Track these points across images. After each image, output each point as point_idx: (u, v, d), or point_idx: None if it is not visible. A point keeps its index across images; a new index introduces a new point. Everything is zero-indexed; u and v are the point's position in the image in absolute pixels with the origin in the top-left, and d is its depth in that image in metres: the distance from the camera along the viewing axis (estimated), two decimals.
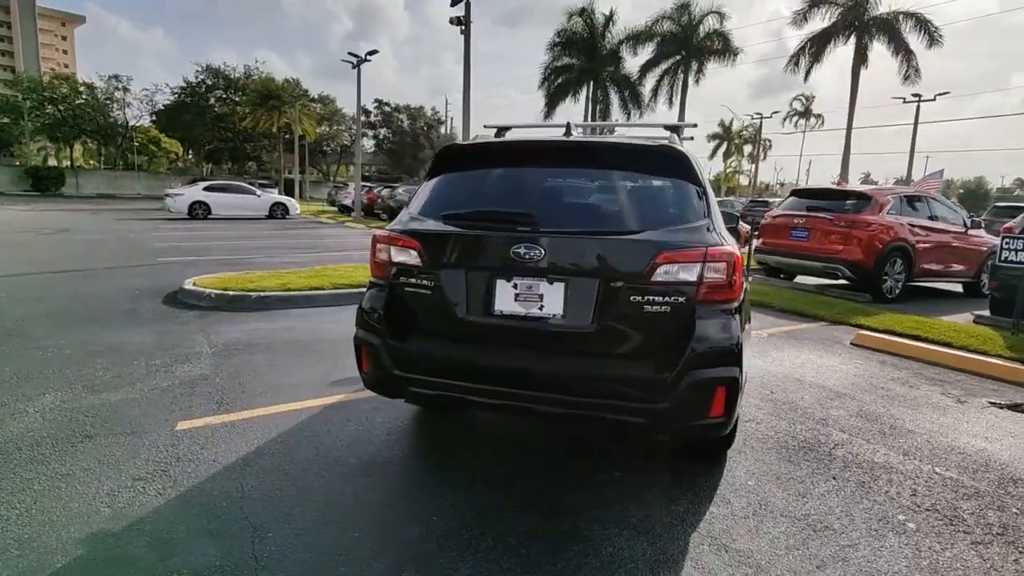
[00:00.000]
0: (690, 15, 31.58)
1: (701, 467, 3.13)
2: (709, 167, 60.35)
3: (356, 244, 14.80)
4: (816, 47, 29.71)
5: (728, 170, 61.93)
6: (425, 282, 2.83)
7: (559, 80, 33.86)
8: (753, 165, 59.31)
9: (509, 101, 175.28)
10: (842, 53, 29.66)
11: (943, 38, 26.99)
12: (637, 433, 3.36)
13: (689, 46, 31.70)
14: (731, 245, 2.58)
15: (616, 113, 33.65)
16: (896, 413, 4.05)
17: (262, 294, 6.58)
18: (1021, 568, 2.37)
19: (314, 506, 2.61)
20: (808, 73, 30.71)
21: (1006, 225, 7.41)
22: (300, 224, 21.80)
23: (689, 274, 2.47)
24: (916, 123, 33.50)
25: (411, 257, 2.87)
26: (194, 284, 6.94)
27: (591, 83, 33.74)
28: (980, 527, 2.66)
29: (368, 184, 30.39)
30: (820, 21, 29.20)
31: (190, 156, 59.14)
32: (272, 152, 52.48)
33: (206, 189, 22.21)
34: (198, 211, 21.42)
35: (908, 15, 27.58)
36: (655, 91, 33.43)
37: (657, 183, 2.80)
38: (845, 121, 30.19)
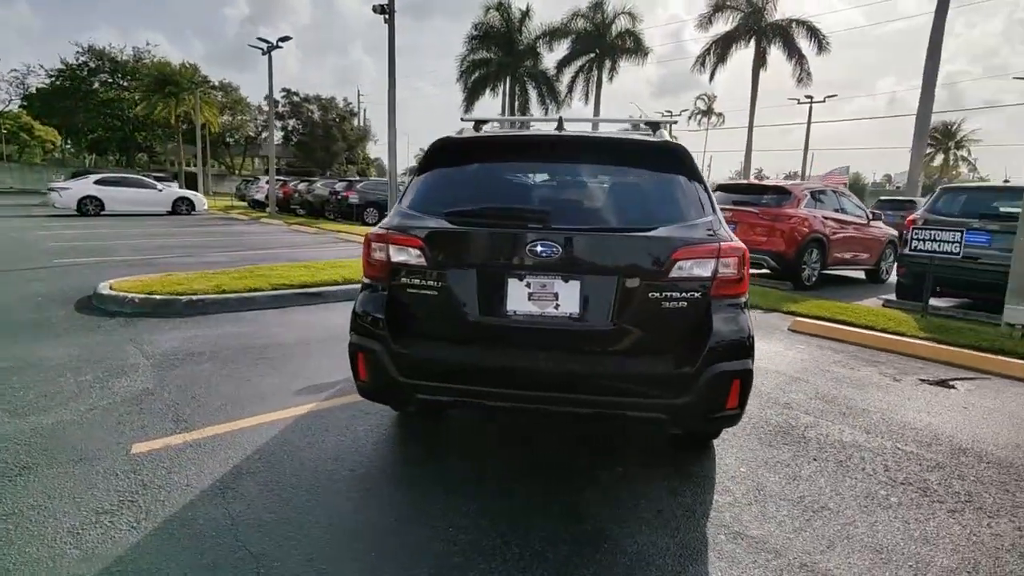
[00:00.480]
0: (603, 14, 32.43)
1: (692, 456, 3.20)
2: None
3: (281, 241, 14.03)
4: (720, 49, 31.45)
5: None
6: (431, 283, 2.69)
7: (477, 74, 33.79)
8: None
9: (421, 94, 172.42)
10: (744, 56, 31.45)
11: (830, 45, 29.42)
12: (656, 428, 3.38)
13: (603, 44, 32.57)
14: (738, 240, 2.63)
15: (535, 108, 34.15)
16: (847, 394, 4.35)
17: (194, 297, 6.06)
18: (995, 532, 2.60)
19: (317, 527, 2.42)
20: (713, 73, 32.50)
21: (909, 218, 8.16)
22: (210, 221, 20.38)
23: (704, 270, 2.50)
24: (809, 122, 36.42)
25: (413, 257, 2.70)
26: (112, 288, 6.27)
27: (509, 78, 33.92)
28: (950, 496, 2.90)
29: (282, 178, 28.88)
30: (723, 24, 30.96)
31: (69, 146, 53.61)
32: (167, 143, 48.67)
33: (98, 183, 20.25)
34: (89, 207, 19.52)
35: (800, 23, 29.78)
36: (571, 87, 34.26)
37: (662, 179, 2.81)
38: (744, 119, 32.17)
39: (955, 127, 48.79)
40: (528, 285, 2.62)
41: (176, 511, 2.50)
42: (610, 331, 2.58)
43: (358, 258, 10.87)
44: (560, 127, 3.08)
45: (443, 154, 3.04)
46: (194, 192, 24.56)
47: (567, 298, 2.58)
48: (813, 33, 29.26)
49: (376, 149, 64.23)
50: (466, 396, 2.66)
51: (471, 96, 34.09)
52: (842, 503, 2.78)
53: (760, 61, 31.05)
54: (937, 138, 49.58)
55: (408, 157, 70.29)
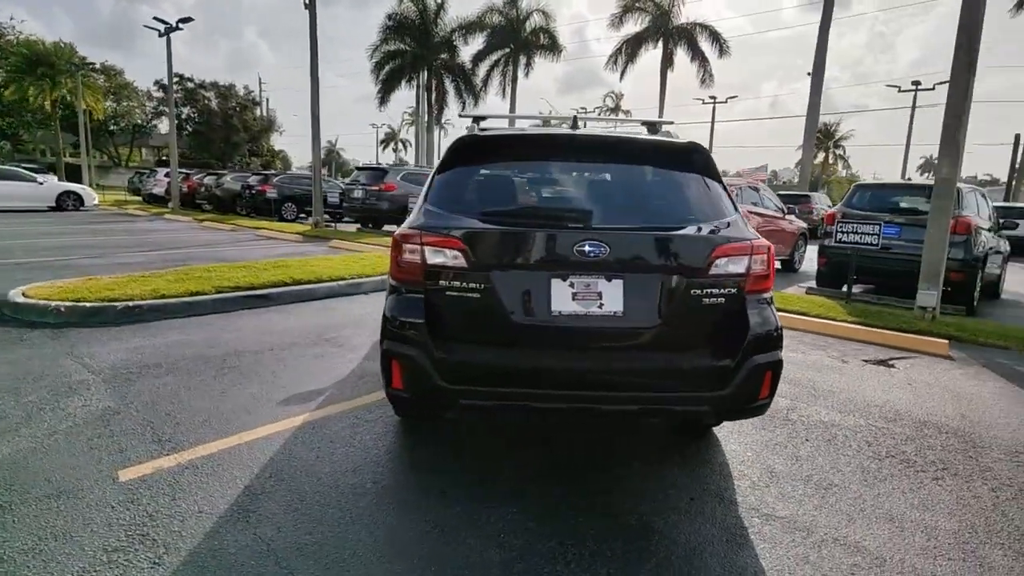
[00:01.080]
0: (518, 10, 32.67)
1: (698, 445, 3.34)
2: None
3: (196, 240, 13.02)
4: (631, 49, 32.66)
5: None
6: (472, 285, 2.59)
7: (391, 65, 32.96)
8: None
9: (328, 83, 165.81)
10: (652, 56, 32.85)
11: (731, 49, 31.36)
12: (693, 420, 3.33)
13: (517, 39, 32.84)
14: (763, 238, 2.76)
15: (452, 102, 33.89)
16: (810, 376, 4.70)
17: (130, 303, 5.50)
18: (975, 494, 2.92)
19: (363, 546, 2.29)
20: (624, 72, 33.70)
21: (829, 212, 8.92)
22: (105, 217, 18.55)
23: (739, 266, 2.61)
24: (713, 121, 38.59)
25: (452, 258, 2.60)
26: (27, 295, 5.57)
27: (426, 70, 33.42)
28: (929, 465, 3.22)
29: (184, 171, 26.75)
30: (634, 25, 32.13)
31: None
32: (36, 130, 43.68)
33: None
34: None
35: (703, 26, 31.46)
36: (486, 81, 34.31)
37: (690, 179, 2.88)
38: (651, 117, 33.64)
39: (834, 128, 53.71)
40: (572, 285, 2.61)
41: (199, 541, 2.28)
42: (655, 328, 2.62)
43: (299, 257, 10.49)
44: (574, 126, 3.09)
45: (468, 151, 2.97)
46: (81, 185, 22.26)
47: (611, 297, 2.60)
48: (715, 37, 31.05)
49: (282, 141, 61.04)
50: (511, 399, 2.59)
51: (386, 88, 33.22)
52: (844, 479, 3.01)
53: (668, 62, 32.53)
54: (819, 138, 54.40)
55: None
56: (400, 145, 73.52)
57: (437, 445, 3.26)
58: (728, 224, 2.71)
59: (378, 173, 16.07)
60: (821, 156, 54.43)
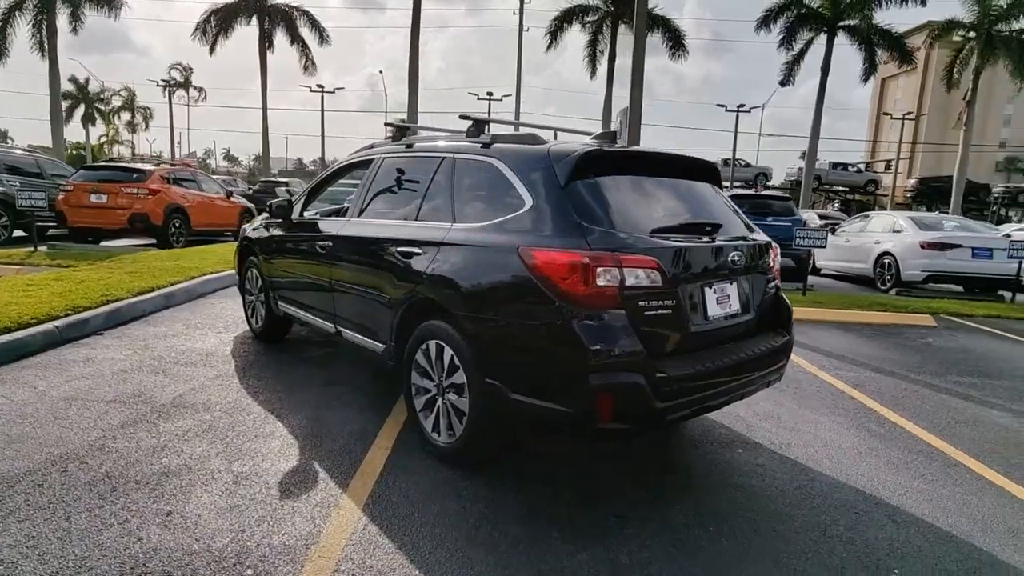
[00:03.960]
0: None
1: (702, 423, 3.93)
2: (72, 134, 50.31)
3: None
4: (221, 20, 29.29)
5: (103, 139, 53.19)
6: (665, 302, 2.64)
7: None
8: (135, 135, 53.23)
9: None
10: (249, 33, 30.23)
11: (331, 39, 31.47)
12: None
13: None
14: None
15: None
16: None
17: None
18: (936, 419, 4.41)
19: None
20: (214, 45, 30.06)
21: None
22: None
23: (776, 262, 3.38)
24: (323, 111, 38.06)
25: (649, 278, 2.57)
26: None
27: None
28: (886, 403, 4.62)
29: None
30: None
31: None
32: None
33: None
34: None
35: (302, 11, 30.60)
36: None
37: (719, 192, 3.41)
38: (239, 98, 31.39)
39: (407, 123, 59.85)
40: (715, 291, 2.92)
41: None
42: (753, 319, 3.15)
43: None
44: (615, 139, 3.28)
45: (597, 166, 2.84)
46: None
47: (733, 298, 3.00)
48: (315, 24, 30.66)
49: None
50: (701, 404, 2.75)
51: None
52: (840, 435, 4.09)
53: (266, 42, 30.50)
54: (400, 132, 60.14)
55: None
56: None
57: (493, 468, 2.93)
58: (756, 228, 3.39)
59: None
60: None
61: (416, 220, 3.35)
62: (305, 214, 4.62)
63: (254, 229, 5.19)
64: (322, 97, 37.89)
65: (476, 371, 2.78)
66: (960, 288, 10.68)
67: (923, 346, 6.44)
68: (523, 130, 3.87)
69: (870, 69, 27.78)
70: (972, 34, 27.36)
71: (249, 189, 14.99)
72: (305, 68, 31.98)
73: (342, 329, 3.89)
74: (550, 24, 27.77)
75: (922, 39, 30.46)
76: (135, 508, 2.53)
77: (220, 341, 5.13)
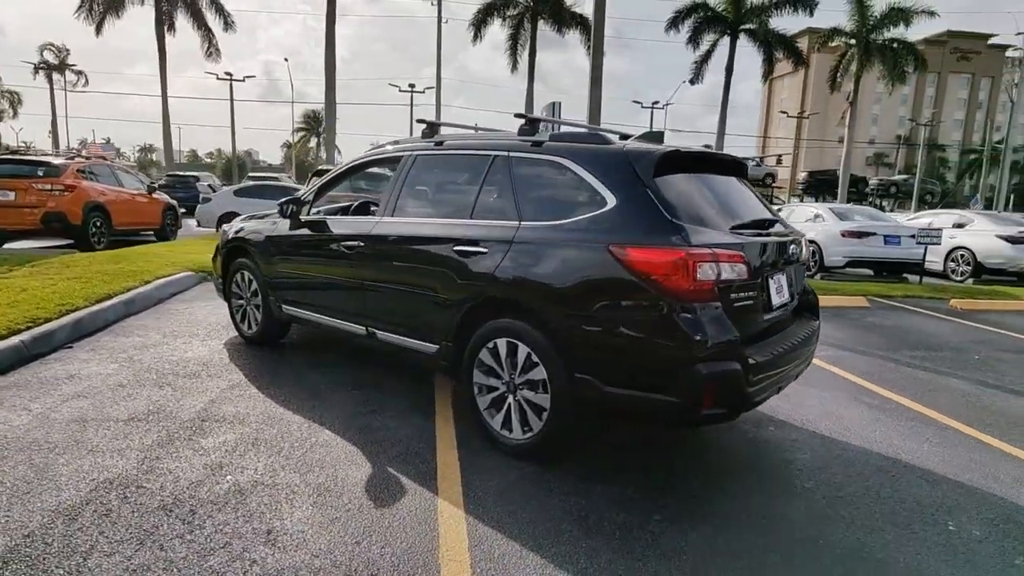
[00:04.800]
0: None
1: None
2: None
3: None
4: None
5: None
6: (750, 293, 2.86)
7: None
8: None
9: None
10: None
11: (236, 24, 29.57)
12: None
13: None
14: None
15: None
16: None
17: None
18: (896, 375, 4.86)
19: None
20: (101, 24, 27.49)
21: None
22: None
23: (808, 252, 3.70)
24: (232, 100, 35.59)
25: (736, 271, 2.76)
26: None
27: None
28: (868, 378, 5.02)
29: None
30: None
31: None
32: None
33: None
34: None
35: None
36: None
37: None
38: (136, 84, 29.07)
39: (320, 115, 57.41)
40: (775, 282, 3.16)
41: None
42: (797, 304, 3.46)
43: None
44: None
45: (672, 166, 2.97)
46: None
47: (785, 288, 3.25)
48: (219, 9, 28.69)
49: None
50: (774, 388, 2.98)
51: None
52: (846, 409, 4.47)
53: (164, 23, 28.16)
54: (310, 125, 57.47)
55: None
56: None
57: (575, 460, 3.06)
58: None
59: None
60: (314, 140, 57.76)
61: (471, 219, 3.32)
62: (310, 214, 4.43)
63: (244, 231, 4.88)
64: (231, 86, 35.54)
65: (562, 367, 2.83)
66: (871, 271, 11.90)
67: (869, 325, 7.16)
68: (564, 128, 3.92)
69: (769, 70, 30.03)
70: (853, 41, 30.22)
71: (154, 184, 13.76)
72: (208, 54, 29.98)
73: (377, 331, 3.78)
74: (473, 17, 27.70)
75: (806, 44, 33.28)
76: (229, 530, 2.38)
77: (211, 349, 4.80)
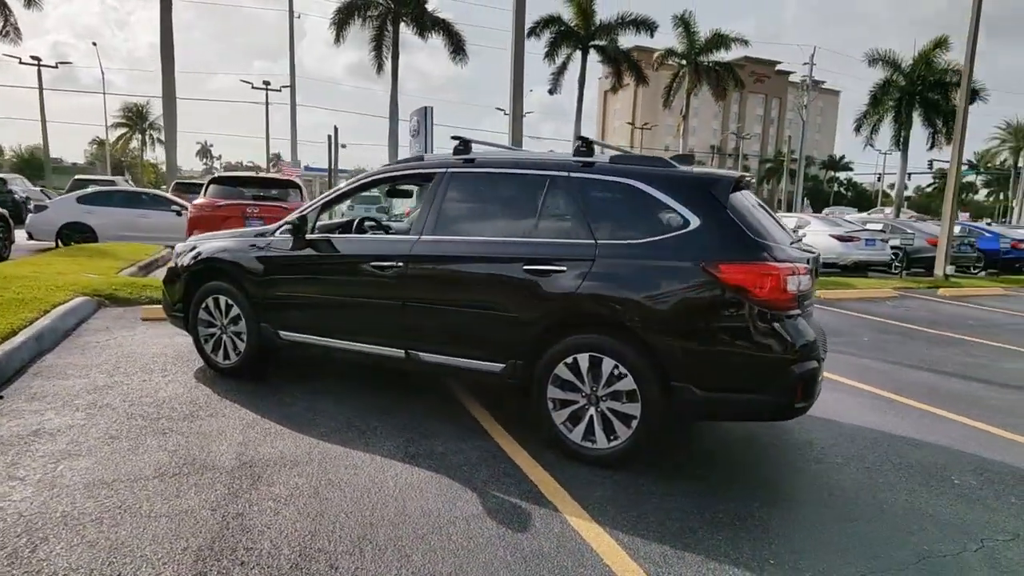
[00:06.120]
0: None
1: None
2: None
3: None
4: None
5: None
6: (809, 300, 3.36)
7: None
8: None
9: None
10: None
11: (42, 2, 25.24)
12: None
13: None
14: None
15: None
16: None
17: None
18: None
19: None
20: None
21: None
22: None
23: None
24: (40, 88, 30.12)
25: (804, 282, 3.17)
26: None
27: None
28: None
29: None
30: None
31: None
32: None
33: None
34: None
35: None
36: None
37: None
38: None
39: (145, 110, 50.90)
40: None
41: None
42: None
43: None
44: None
45: (736, 188, 3.28)
46: None
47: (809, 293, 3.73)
48: None
49: None
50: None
51: None
52: None
53: None
54: (132, 119, 50.44)
55: None
56: None
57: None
58: None
59: None
60: (137, 138, 50.97)
61: (536, 237, 3.38)
62: (314, 232, 4.12)
63: (219, 250, 4.37)
64: (39, 71, 29.97)
65: (656, 376, 3.03)
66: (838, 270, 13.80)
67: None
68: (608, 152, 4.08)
69: (617, 83, 32.64)
70: (684, 61, 33.99)
71: None
72: (5, 34, 25.30)
73: (420, 353, 3.65)
74: (334, 16, 26.53)
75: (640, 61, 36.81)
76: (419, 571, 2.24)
77: (184, 385, 4.24)
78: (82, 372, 4.42)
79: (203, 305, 4.43)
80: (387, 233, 4.68)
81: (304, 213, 4.06)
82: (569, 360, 3.22)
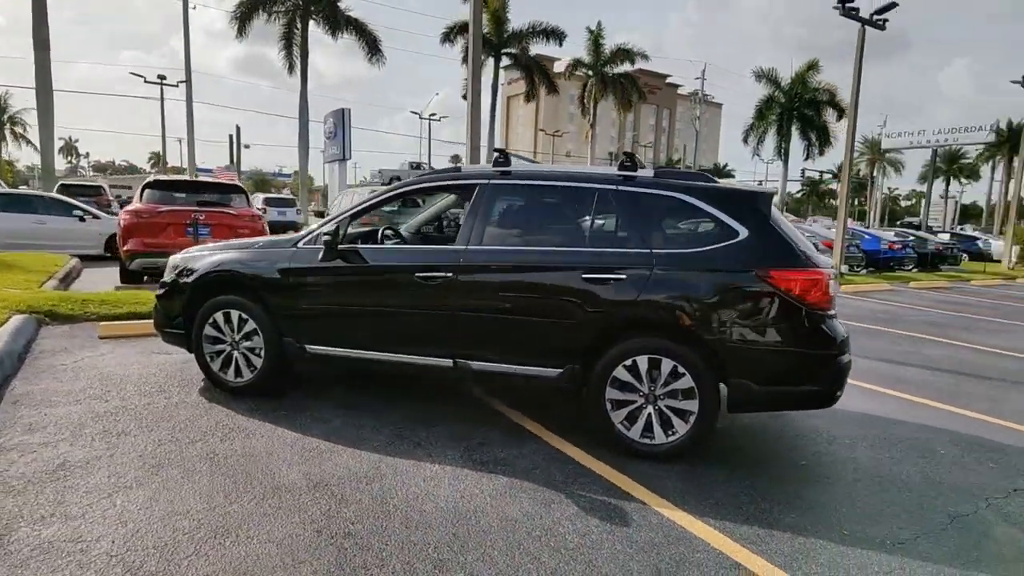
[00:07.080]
0: None
1: None
2: None
3: None
4: None
5: None
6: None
7: None
8: None
9: None
10: None
11: None
12: None
13: None
14: None
15: None
16: None
17: None
18: None
19: None
20: None
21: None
22: None
23: None
24: None
25: (834, 285, 3.53)
26: None
27: None
28: None
29: None
30: None
31: None
32: None
33: None
34: None
35: None
36: None
37: None
38: None
39: (4, 102, 44.87)
40: None
41: None
42: None
43: None
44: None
45: (770, 200, 3.58)
46: None
47: None
48: None
49: None
50: None
51: None
52: None
53: None
54: None
55: None
56: None
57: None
58: None
59: None
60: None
61: (590, 247, 3.55)
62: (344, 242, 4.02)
63: (231, 263, 4.13)
64: None
65: (713, 374, 3.31)
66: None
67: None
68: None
69: (532, 92, 33.40)
70: (590, 72, 35.50)
71: None
72: None
73: (470, 362, 3.69)
74: (235, 9, 25.01)
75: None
76: None
77: (198, 406, 3.96)
78: (70, 399, 3.99)
79: (210, 320, 4.16)
80: (404, 242, 4.64)
81: (337, 223, 3.95)
82: (628, 362, 3.42)
